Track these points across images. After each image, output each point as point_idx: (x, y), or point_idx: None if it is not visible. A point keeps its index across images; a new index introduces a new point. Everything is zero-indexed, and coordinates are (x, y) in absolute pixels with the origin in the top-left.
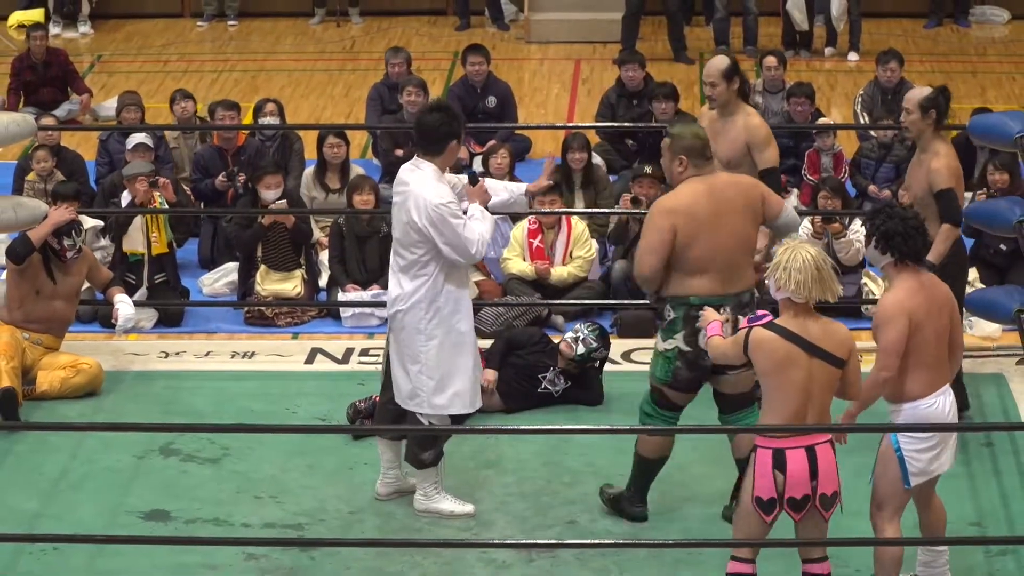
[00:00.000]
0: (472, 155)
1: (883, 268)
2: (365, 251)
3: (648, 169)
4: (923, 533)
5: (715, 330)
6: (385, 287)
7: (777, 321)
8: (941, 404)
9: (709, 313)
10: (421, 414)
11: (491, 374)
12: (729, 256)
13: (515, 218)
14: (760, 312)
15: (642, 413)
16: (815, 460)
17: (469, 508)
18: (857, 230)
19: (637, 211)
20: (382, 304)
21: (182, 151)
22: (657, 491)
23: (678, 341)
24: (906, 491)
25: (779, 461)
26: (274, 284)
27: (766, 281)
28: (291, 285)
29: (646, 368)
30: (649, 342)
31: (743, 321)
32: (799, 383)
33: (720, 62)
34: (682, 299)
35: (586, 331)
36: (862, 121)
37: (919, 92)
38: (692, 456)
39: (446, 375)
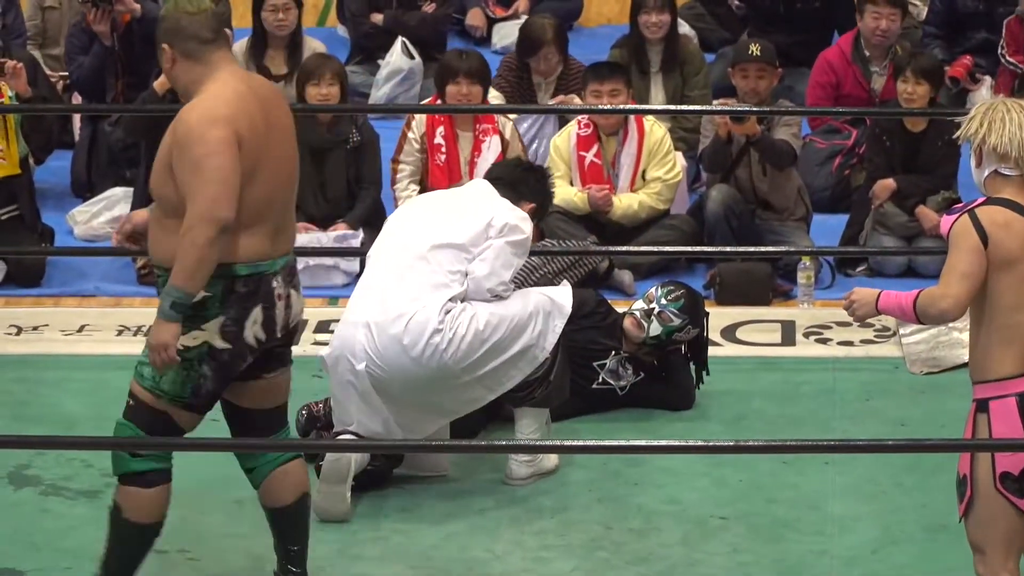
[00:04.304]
0: (492, 20)
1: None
2: (325, 172)
3: (755, 49)
4: None
5: (893, 297)
6: (354, 226)
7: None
8: None
9: (863, 294)
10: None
11: None
12: (286, 200)
13: (562, 120)
14: (955, 207)
15: (123, 457)
16: None
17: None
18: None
19: (744, 110)
20: (350, 253)
21: (63, 13)
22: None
23: (210, 334)
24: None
25: None
26: None
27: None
28: None
29: (757, 352)
30: (762, 311)
31: (943, 222)
32: None
33: None
34: (223, 269)
35: (664, 300)
36: None
37: None
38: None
39: None
